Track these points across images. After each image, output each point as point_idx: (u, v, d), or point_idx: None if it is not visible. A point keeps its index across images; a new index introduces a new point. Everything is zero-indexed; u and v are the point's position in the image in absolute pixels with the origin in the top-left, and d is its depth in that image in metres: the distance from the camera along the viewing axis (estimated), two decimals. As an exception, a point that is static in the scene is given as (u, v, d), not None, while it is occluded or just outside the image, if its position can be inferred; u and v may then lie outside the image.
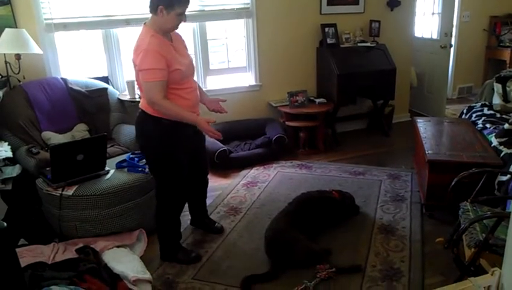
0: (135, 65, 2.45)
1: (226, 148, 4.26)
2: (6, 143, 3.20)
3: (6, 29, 3.51)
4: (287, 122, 4.70)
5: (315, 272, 2.56)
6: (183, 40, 2.68)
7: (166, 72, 2.38)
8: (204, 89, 3.22)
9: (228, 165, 4.25)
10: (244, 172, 4.21)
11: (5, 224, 1.30)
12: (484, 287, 1.45)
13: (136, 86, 2.59)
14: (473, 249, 2.14)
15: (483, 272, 2.11)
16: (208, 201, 3.28)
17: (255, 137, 4.65)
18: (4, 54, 3.57)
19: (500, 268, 1.53)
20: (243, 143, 4.59)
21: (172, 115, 2.45)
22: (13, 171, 2.99)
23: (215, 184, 3.89)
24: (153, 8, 2.38)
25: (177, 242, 2.85)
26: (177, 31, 2.59)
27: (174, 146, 2.54)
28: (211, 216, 3.30)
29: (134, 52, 2.42)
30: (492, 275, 1.50)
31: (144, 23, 2.46)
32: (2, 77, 3.61)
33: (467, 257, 2.22)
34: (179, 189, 2.69)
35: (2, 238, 1.27)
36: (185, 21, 2.47)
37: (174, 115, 2.45)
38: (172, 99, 2.46)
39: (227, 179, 4.10)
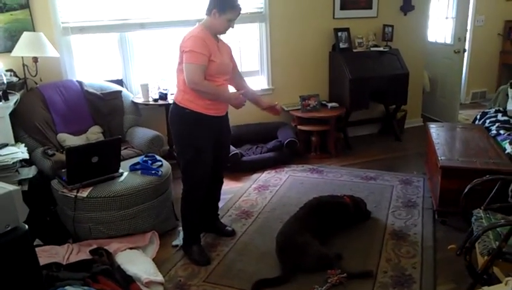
0: (181, 52, 2.64)
1: (237, 151, 4.29)
2: (23, 144, 3.27)
3: (25, 33, 3.58)
4: (298, 126, 4.71)
5: (326, 277, 2.56)
6: (229, 48, 2.92)
7: (207, 59, 2.60)
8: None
9: (240, 169, 4.27)
10: (255, 176, 4.23)
11: (27, 226, 1.34)
12: (497, 297, 1.45)
13: (176, 80, 2.81)
14: (486, 257, 2.12)
15: (496, 280, 2.11)
16: (220, 204, 3.30)
17: (266, 141, 4.67)
18: (22, 57, 3.63)
19: (513, 277, 1.53)
20: (254, 147, 4.61)
21: (211, 93, 2.69)
22: (29, 172, 3.05)
23: (227, 187, 3.90)
24: (209, 10, 2.67)
25: (196, 233, 2.96)
26: (226, 41, 2.90)
27: (196, 132, 2.73)
28: (223, 219, 3.32)
29: (183, 40, 2.65)
30: (506, 284, 1.49)
31: (198, 22, 2.74)
32: (20, 79, 3.68)
33: (479, 264, 2.21)
34: (201, 173, 2.80)
35: (24, 240, 1.31)
36: (232, 27, 2.74)
37: (213, 93, 2.70)
38: None
39: (239, 182, 4.12)
